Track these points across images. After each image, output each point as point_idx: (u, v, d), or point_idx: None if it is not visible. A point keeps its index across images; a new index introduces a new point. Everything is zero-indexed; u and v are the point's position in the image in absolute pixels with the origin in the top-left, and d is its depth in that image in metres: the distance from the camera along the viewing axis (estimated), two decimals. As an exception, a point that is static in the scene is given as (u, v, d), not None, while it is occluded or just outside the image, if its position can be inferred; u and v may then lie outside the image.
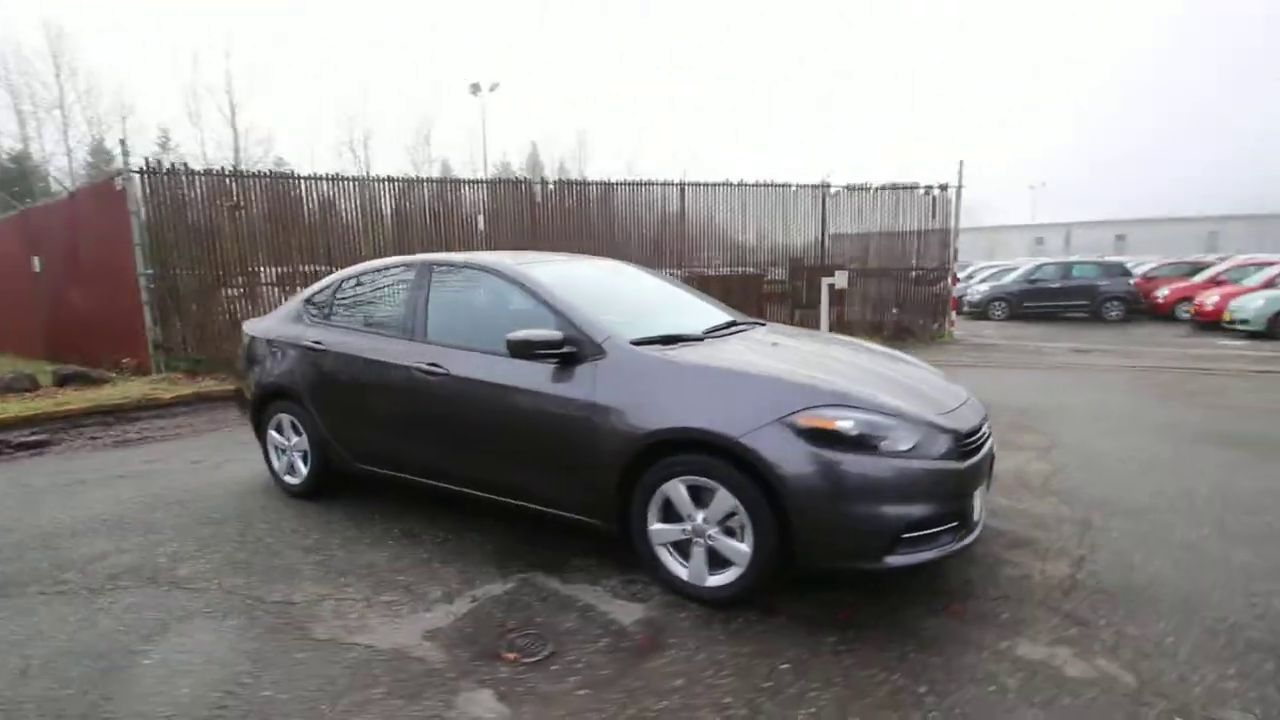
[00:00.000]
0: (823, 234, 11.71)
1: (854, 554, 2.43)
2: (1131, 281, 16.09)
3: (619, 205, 10.91)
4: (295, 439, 3.98)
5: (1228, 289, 13.90)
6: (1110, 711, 1.99)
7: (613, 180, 10.86)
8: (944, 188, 11.74)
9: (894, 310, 11.93)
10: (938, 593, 2.71)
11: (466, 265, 3.53)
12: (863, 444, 2.40)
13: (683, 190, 11.14)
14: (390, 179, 9.61)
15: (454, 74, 75.08)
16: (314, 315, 4.00)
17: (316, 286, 4.17)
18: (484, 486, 3.26)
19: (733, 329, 3.45)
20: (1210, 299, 13.69)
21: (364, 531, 3.50)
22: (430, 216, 9.86)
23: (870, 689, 2.12)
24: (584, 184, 10.73)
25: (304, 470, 3.97)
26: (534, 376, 2.97)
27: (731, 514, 2.54)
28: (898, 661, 2.26)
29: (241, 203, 8.71)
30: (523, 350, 2.87)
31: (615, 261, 4.54)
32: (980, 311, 16.92)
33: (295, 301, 4.26)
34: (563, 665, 2.28)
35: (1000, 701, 2.05)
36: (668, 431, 2.60)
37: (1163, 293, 15.77)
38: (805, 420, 2.43)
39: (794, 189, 11.53)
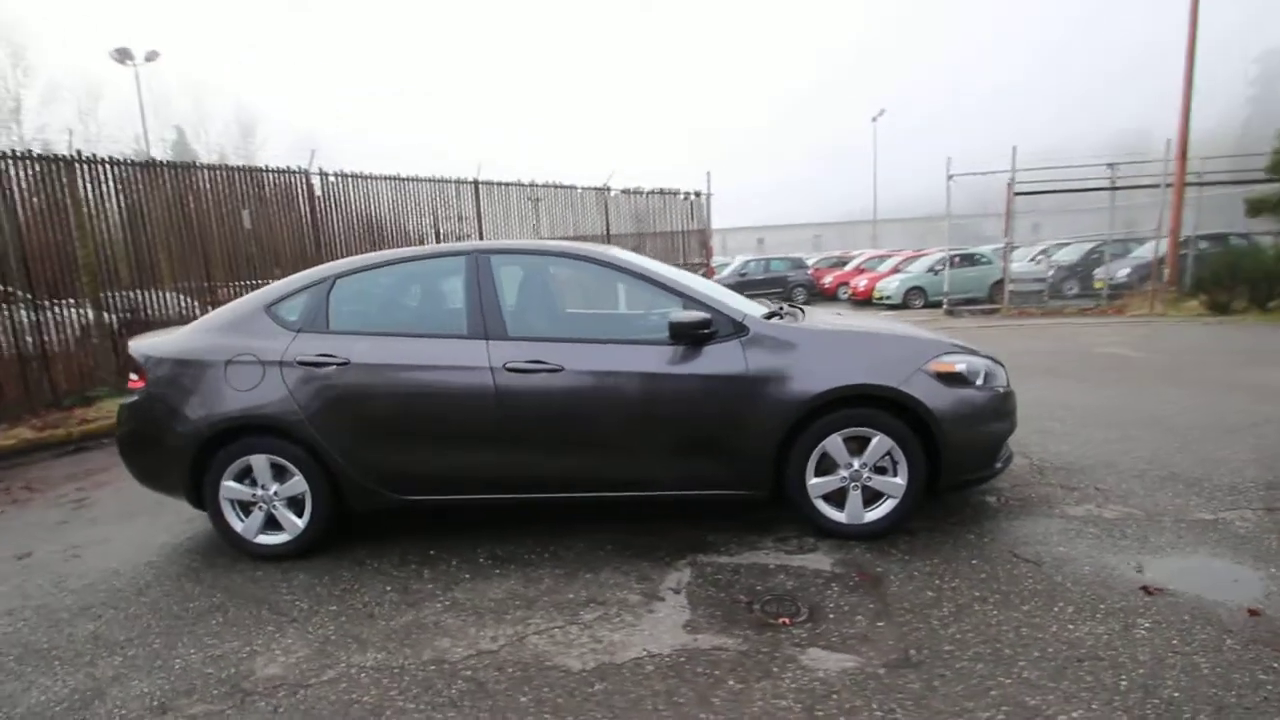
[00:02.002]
0: (607, 233, 12.48)
1: (977, 467, 3.10)
2: (809, 272, 20.61)
3: (410, 202, 10.05)
4: (276, 485, 3.10)
5: (870, 275, 18.83)
6: (1144, 529, 3.00)
7: (404, 176, 9.94)
8: (699, 194, 13.54)
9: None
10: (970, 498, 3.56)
11: (541, 253, 3.24)
12: (969, 380, 3.08)
13: (477, 188, 10.77)
14: (111, 160, 7.31)
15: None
16: (294, 324, 3.16)
17: (284, 289, 3.27)
18: (598, 485, 3.09)
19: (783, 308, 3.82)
20: (861, 282, 18.38)
21: (439, 568, 2.98)
22: (179, 211, 7.79)
23: (1001, 555, 2.79)
24: (372, 178, 9.60)
25: (298, 521, 3.12)
26: (673, 360, 2.97)
27: (885, 455, 2.98)
28: (1006, 535, 2.99)
29: None
30: (686, 333, 2.87)
31: (614, 249, 4.45)
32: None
33: (241, 309, 3.28)
34: (836, 613, 2.46)
35: (1081, 538, 2.91)
36: (837, 390, 2.92)
37: (827, 280, 20.59)
38: (935, 366, 3.01)
39: (580, 190, 12.05)
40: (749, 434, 2.96)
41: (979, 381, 3.10)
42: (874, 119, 33.25)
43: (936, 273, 16.51)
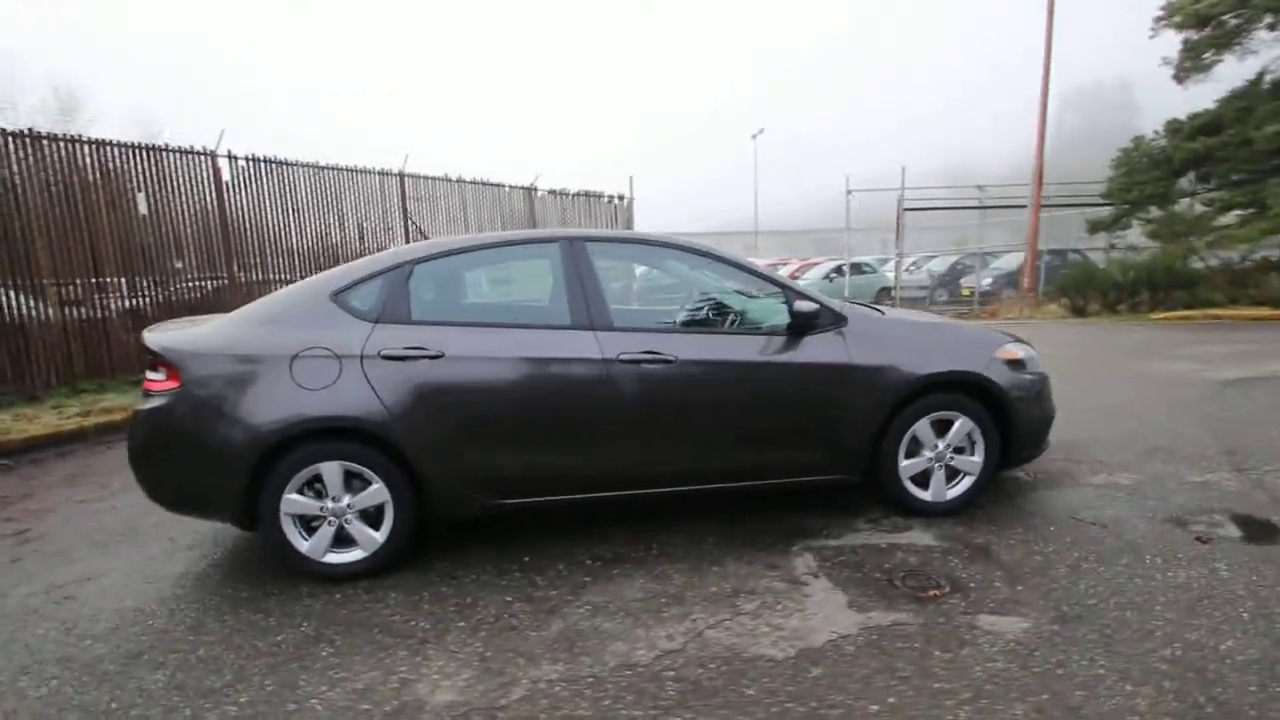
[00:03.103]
0: (533, 234, 12.19)
1: (1035, 445, 3.41)
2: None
3: (331, 193, 9.21)
4: (349, 497, 2.76)
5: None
6: (1159, 491, 3.48)
7: (323, 164, 9.09)
8: (621, 197, 13.61)
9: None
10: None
11: (641, 242, 3.15)
12: (1026, 366, 3.40)
13: (402, 181, 10.10)
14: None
15: None
16: (368, 313, 2.82)
17: (349, 274, 2.91)
18: (704, 479, 3.06)
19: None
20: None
21: (550, 574, 2.80)
22: (59, 194, 6.60)
23: (1067, 520, 3.14)
24: (288, 164, 8.68)
25: (375, 535, 2.79)
26: (779, 350, 3.01)
27: (966, 436, 3.21)
28: (1056, 504, 3.34)
29: None
30: (807, 323, 2.93)
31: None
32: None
33: (298, 297, 2.88)
34: (975, 583, 2.62)
35: (1116, 502, 3.33)
36: (934, 376, 3.10)
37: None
38: (1003, 354, 3.30)
39: (507, 189, 11.68)
40: (852, 420, 3.07)
41: (1030, 366, 3.44)
42: (753, 136, 35.24)
43: (831, 280, 17.81)
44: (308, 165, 8.91)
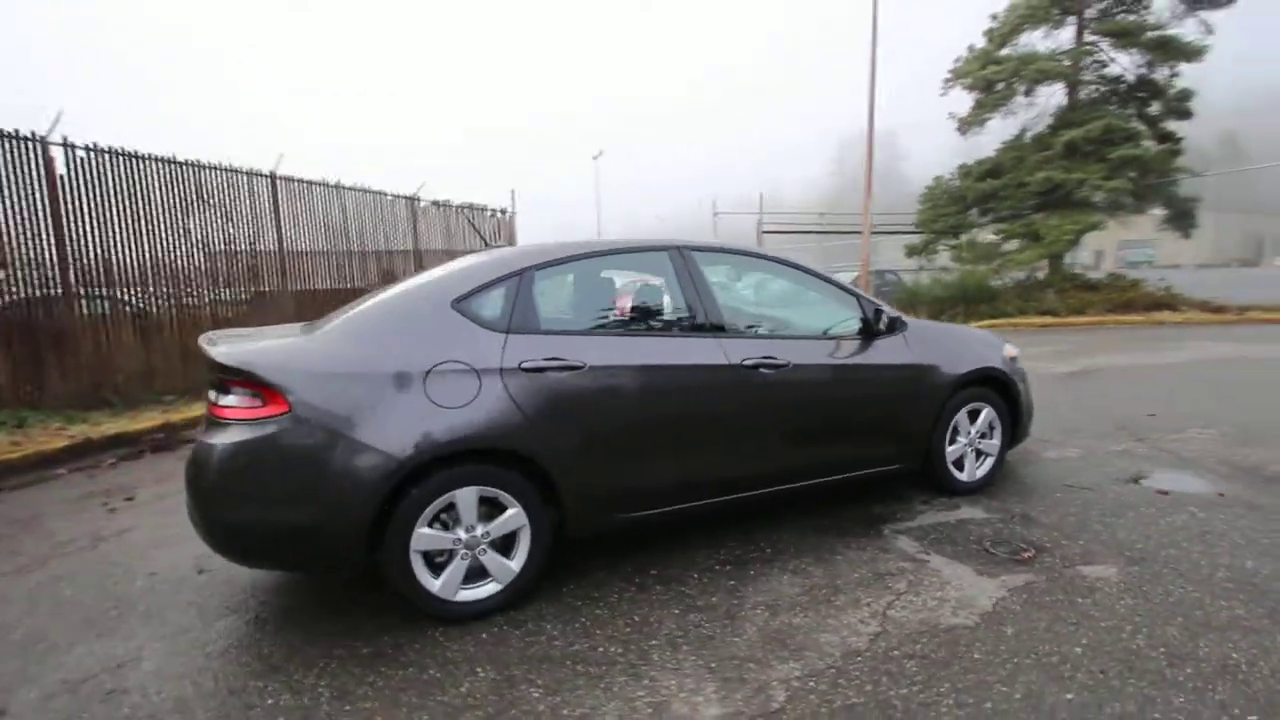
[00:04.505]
0: (416, 247, 11.43)
1: (1028, 426, 4.06)
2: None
3: (192, 194, 7.89)
4: (482, 526, 2.52)
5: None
6: (1099, 457, 4.32)
7: (180, 158, 7.77)
8: (504, 211, 13.26)
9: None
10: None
11: (733, 252, 3.25)
12: (1018, 361, 4.04)
13: (274, 183, 8.95)
14: None
15: None
16: (497, 323, 2.60)
17: (467, 281, 2.65)
18: (802, 476, 3.22)
19: None
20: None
21: (693, 584, 2.79)
22: None
23: (1062, 488, 3.83)
24: (139, 158, 7.29)
25: (510, 565, 2.57)
26: (860, 352, 3.30)
27: (989, 423, 3.75)
28: (1046, 474, 4.03)
29: None
30: (890, 328, 3.24)
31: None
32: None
33: (415, 306, 2.57)
34: (1049, 544, 3.07)
35: (1093, 468, 4.11)
36: (970, 373, 3.58)
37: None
38: (1008, 352, 3.90)
39: (389, 198, 10.84)
40: (917, 414, 3.45)
41: (1019, 362, 4.10)
42: (594, 158, 36.07)
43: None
44: (163, 159, 7.56)
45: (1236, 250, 51.87)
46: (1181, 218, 15.59)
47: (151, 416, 6.44)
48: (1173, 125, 15.22)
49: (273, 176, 8.93)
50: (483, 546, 2.52)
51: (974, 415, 3.70)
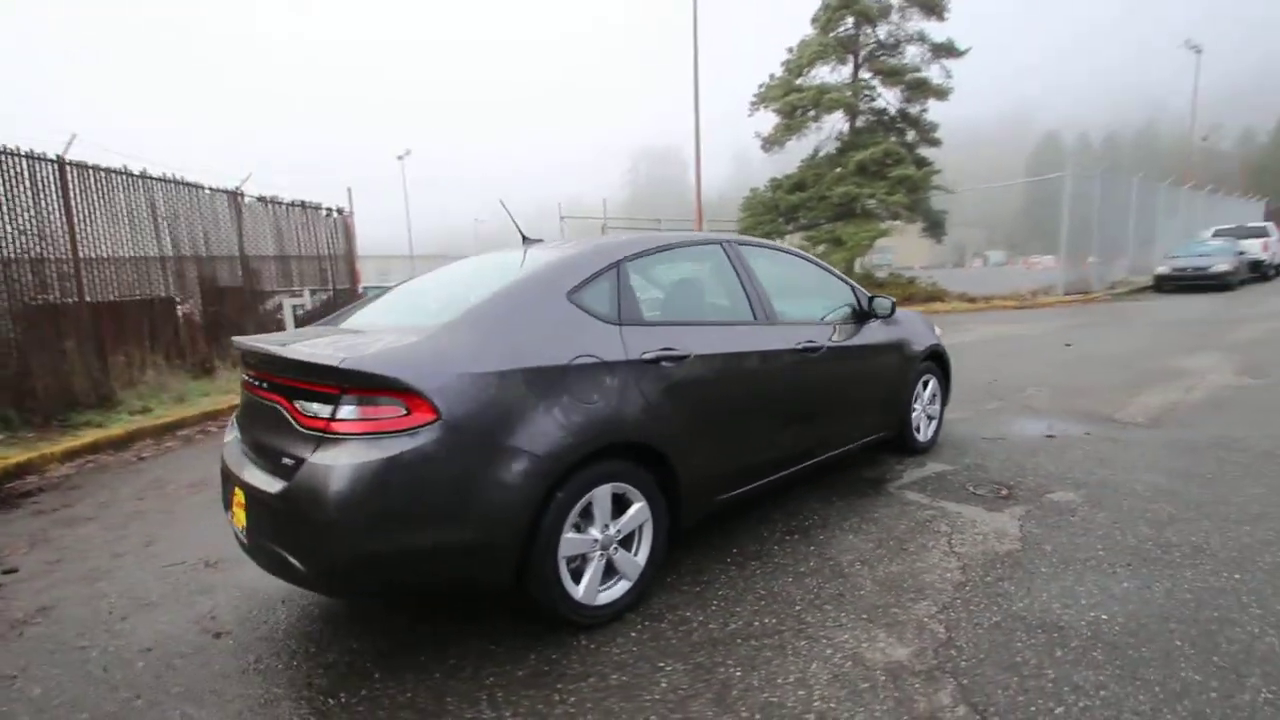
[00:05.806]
0: (241, 250, 9.89)
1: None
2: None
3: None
4: (613, 523, 2.48)
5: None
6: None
7: (-68, 132, 5.92)
8: (341, 210, 11.99)
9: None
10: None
11: (767, 247, 3.46)
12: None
13: (61, 170, 7.20)
14: None
15: None
16: (608, 314, 2.55)
17: (575, 271, 2.55)
18: (830, 448, 3.55)
19: None
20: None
21: (776, 558, 2.99)
22: None
23: (1035, 439, 4.72)
24: None
25: (637, 561, 2.55)
26: (857, 334, 3.74)
27: (933, 391, 4.45)
28: (1016, 431, 4.89)
29: None
30: (889, 311, 3.70)
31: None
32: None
33: (531, 297, 2.41)
34: (1016, 483, 3.75)
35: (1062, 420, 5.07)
36: (927, 349, 4.22)
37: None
38: (938, 331, 4.66)
39: (208, 192, 9.27)
40: (903, 384, 4.02)
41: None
42: (400, 158, 33.82)
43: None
44: (-93, 134, 5.70)
45: (949, 255, 64.71)
46: (935, 227, 19.22)
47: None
48: (925, 151, 18.72)
49: (60, 161, 7.17)
50: (615, 545, 2.46)
51: (925, 385, 4.38)
